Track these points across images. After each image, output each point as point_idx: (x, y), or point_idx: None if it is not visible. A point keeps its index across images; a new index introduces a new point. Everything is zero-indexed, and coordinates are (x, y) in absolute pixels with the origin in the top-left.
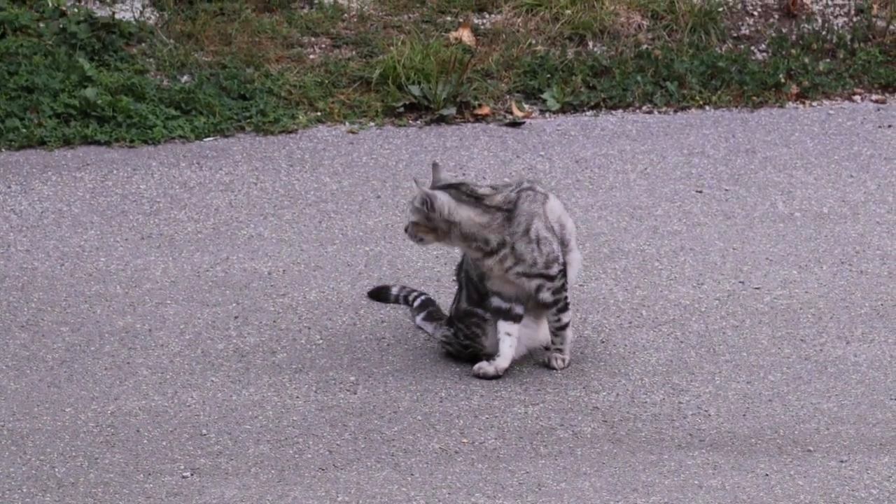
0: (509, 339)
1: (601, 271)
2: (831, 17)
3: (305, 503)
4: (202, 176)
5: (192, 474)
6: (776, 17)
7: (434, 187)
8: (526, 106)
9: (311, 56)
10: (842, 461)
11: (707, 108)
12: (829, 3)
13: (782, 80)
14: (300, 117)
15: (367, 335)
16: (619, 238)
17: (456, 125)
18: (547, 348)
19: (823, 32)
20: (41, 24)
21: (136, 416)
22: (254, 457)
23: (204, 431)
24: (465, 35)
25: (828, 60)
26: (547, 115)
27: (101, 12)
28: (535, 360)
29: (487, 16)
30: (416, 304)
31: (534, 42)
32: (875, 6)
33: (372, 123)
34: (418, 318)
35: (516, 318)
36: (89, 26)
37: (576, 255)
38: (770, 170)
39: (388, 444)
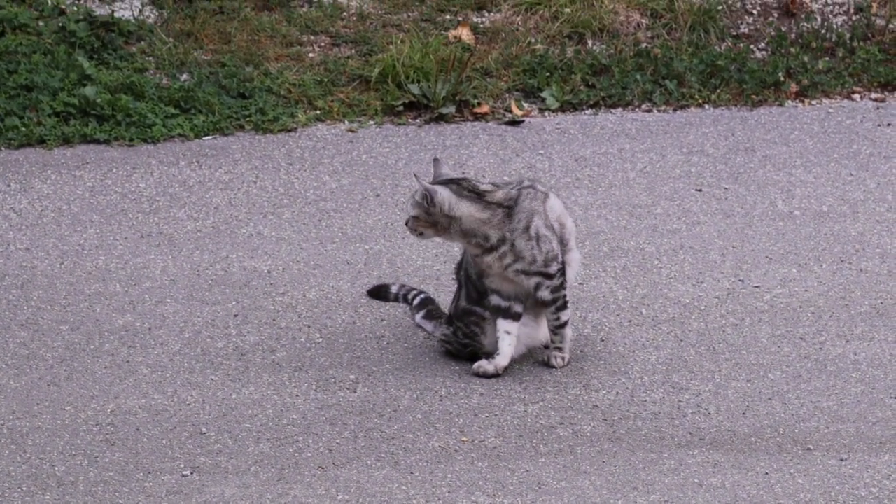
0: (509, 338)
1: (601, 270)
2: (830, 16)
3: (305, 502)
4: (201, 174)
5: (191, 473)
6: (775, 15)
7: (435, 182)
8: (525, 104)
9: (311, 55)
10: (842, 459)
11: (706, 106)
12: (829, 1)
13: (782, 79)
14: (300, 116)
15: (367, 334)
16: (619, 236)
17: (455, 124)
18: (546, 347)
19: (823, 31)
20: (40, 23)
21: (136, 414)
22: (254, 455)
23: (204, 430)
24: (465, 34)
25: (827, 59)
26: (546, 113)
27: (101, 11)
28: (534, 359)
29: (487, 14)
30: (416, 302)
31: (533, 41)
32: (874, 5)
33: (371, 122)
34: (418, 317)
35: (515, 317)
36: (88, 25)
37: (575, 254)
38: (769, 168)
39: (387, 442)
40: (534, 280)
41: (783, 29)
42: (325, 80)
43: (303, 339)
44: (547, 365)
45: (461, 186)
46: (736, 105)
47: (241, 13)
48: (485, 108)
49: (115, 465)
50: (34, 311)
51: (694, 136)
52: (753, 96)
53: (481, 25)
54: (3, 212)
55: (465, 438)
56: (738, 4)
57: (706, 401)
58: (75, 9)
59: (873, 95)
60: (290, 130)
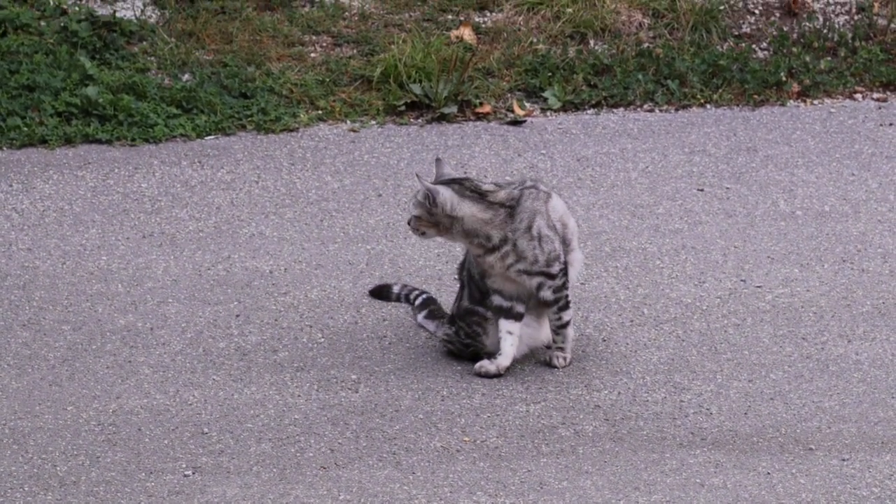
0: (511, 338)
1: (602, 270)
2: (832, 16)
3: (307, 502)
4: (203, 174)
5: (193, 473)
6: (777, 15)
7: (437, 182)
8: (527, 104)
9: (313, 54)
10: (843, 460)
11: (708, 106)
12: (831, 1)
13: (783, 79)
14: (301, 116)
15: (369, 334)
16: (621, 236)
17: (457, 124)
18: (548, 347)
19: (825, 31)
20: (42, 23)
21: (138, 414)
22: (255, 455)
23: (205, 430)
24: (467, 33)
25: (829, 59)
26: (548, 113)
27: (102, 11)
28: (536, 359)
29: (488, 14)
30: (418, 302)
31: (535, 40)
32: (876, 4)
33: (373, 122)
34: (420, 317)
35: (518, 317)
36: (90, 25)
37: (577, 254)
38: (771, 168)
39: (389, 442)
40: (536, 280)
41: (785, 29)
42: (327, 79)
43: (305, 340)
44: (549, 365)
45: (463, 186)
46: (738, 105)
47: (243, 13)
48: (487, 108)
49: (116, 466)
50: (36, 312)
51: (696, 136)
52: (755, 96)
53: (483, 25)
54: (6, 212)
55: (466, 438)
56: (740, 4)
57: (708, 401)
58: (77, 9)
59: (875, 95)
60: (291, 130)
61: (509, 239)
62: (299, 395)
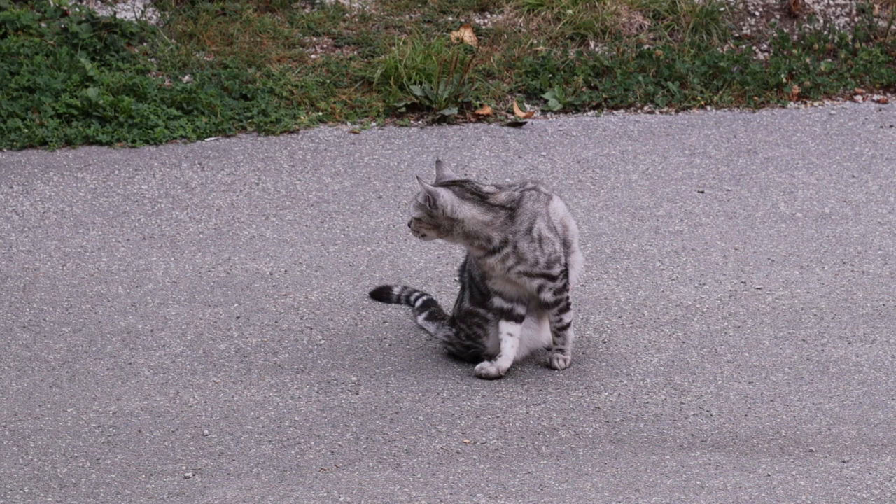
0: (511, 340)
1: (603, 271)
2: (833, 17)
3: (307, 503)
4: (204, 176)
5: (193, 475)
6: (778, 17)
7: (438, 184)
8: (527, 106)
9: (313, 56)
10: (843, 461)
11: (708, 108)
12: (831, 3)
13: (784, 81)
14: (302, 117)
15: (369, 335)
16: (621, 238)
17: (457, 125)
18: (549, 349)
19: (825, 32)
20: (43, 24)
21: (138, 416)
22: (255, 457)
23: (206, 432)
24: (467, 35)
25: (829, 60)
26: (548, 115)
27: (103, 12)
28: (536, 361)
29: (489, 16)
30: (418, 304)
31: (535, 42)
32: (876, 6)
33: (373, 123)
34: (420, 319)
35: (518, 319)
36: (91, 26)
37: (578, 256)
38: (772, 170)
39: (389, 444)
40: (536, 282)
41: (785, 30)
42: (328, 81)
43: (305, 341)
44: (549, 367)
45: (464, 188)
46: (738, 107)
47: (244, 15)
48: (487, 110)
49: (117, 467)
50: (36, 313)
51: (696, 138)
52: (755, 98)
53: (483, 27)
54: (6, 213)
55: (467, 440)
56: (741, 6)
57: (708, 403)
58: (77, 10)
59: (875, 97)
60: (292, 132)
61: (510, 241)
62: (299, 397)
